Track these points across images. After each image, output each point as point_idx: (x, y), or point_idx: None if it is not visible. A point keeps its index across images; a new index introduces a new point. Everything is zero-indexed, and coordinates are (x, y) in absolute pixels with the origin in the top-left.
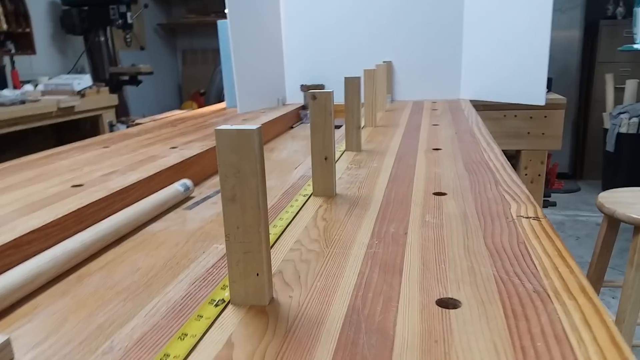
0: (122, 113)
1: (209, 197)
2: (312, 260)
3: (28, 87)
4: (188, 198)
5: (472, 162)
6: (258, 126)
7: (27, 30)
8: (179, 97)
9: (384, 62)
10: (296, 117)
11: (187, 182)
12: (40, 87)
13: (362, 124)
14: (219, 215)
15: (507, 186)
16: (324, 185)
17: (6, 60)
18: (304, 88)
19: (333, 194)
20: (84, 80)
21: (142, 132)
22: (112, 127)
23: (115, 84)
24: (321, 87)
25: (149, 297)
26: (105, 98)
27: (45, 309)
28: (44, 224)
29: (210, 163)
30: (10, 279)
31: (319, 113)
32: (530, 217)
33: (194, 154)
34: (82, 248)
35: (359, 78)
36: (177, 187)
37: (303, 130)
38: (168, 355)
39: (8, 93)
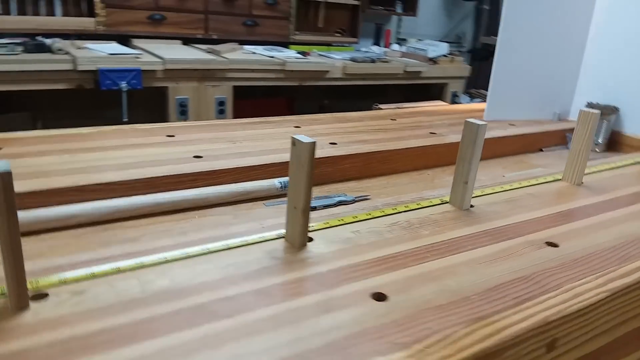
0: (483, 85)
1: None
2: None
3: (394, 47)
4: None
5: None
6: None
7: None
8: None
9: None
10: (558, 139)
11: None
12: (403, 49)
13: (559, 177)
14: (276, 212)
15: None
16: (292, 232)
17: (393, 19)
18: (589, 106)
19: (298, 245)
20: (440, 49)
21: (353, 118)
22: (454, 98)
23: (484, 55)
24: (612, 109)
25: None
26: (457, 68)
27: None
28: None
29: (342, 169)
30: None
31: (295, 161)
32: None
33: (324, 155)
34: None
35: (476, 125)
36: (274, 183)
37: (545, 158)
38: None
39: (376, 50)
